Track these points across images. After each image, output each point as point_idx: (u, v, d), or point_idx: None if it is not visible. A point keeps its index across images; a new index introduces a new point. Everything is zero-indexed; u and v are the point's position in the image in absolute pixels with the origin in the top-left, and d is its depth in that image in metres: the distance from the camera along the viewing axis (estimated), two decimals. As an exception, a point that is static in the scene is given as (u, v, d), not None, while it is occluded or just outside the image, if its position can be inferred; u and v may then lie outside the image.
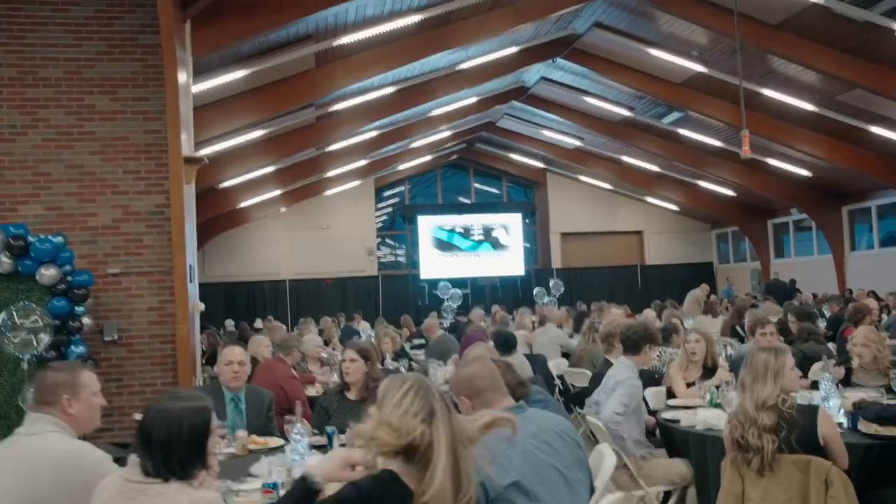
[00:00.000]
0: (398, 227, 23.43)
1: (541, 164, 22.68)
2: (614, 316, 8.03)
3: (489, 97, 16.53)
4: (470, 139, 21.45)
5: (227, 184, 15.07)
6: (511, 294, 21.84)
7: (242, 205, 18.00)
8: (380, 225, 23.36)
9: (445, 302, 19.75)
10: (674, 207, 23.02)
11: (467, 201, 23.93)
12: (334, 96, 12.30)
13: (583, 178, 22.63)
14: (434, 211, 22.80)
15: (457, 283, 21.55)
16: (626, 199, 23.35)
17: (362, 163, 18.68)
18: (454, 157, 23.07)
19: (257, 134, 12.29)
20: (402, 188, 23.74)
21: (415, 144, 18.79)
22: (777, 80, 13.22)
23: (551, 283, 20.43)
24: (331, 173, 18.72)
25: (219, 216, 18.22)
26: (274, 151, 13.63)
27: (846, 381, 4.86)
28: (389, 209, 23.79)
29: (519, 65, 14.29)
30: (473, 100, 16.05)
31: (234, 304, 21.34)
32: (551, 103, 17.28)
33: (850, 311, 7.80)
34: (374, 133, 15.67)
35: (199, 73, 8.84)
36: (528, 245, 23.56)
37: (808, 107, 13.66)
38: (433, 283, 20.93)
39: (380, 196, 23.49)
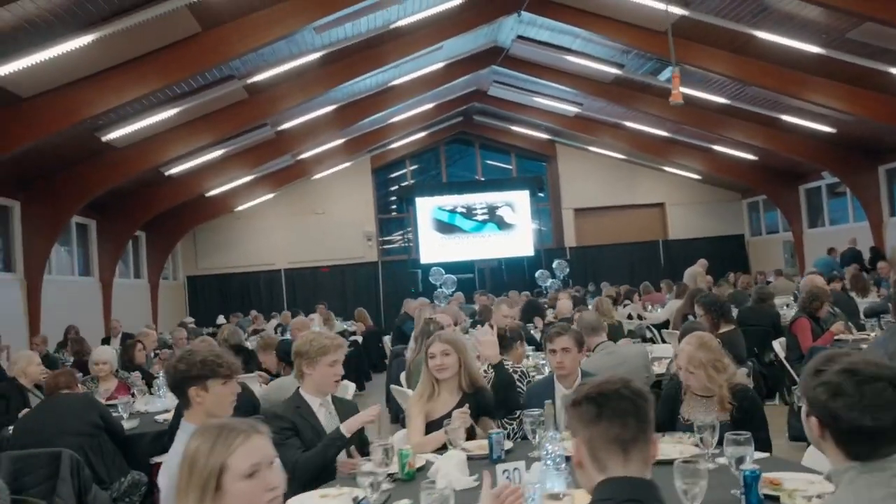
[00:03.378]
0: (401, 209, 22.02)
1: (546, 136, 20.92)
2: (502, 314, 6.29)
3: (461, 60, 15.00)
4: (464, 111, 19.90)
5: (176, 170, 13.98)
6: (518, 277, 20.23)
7: (213, 192, 16.98)
8: (381, 208, 22.11)
9: (438, 288, 18.36)
10: (695, 176, 20.95)
11: (478, 179, 22.35)
12: (254, 63, 10.96)
13: (593, 148, 20.79)
14: (434, 191, 21.26)
15: (460, 267, 20.12)
16: (643, 168, 21.38)
17: (339, 142, 17.38)
18: (455, 132, 21.51)
19: (172, 113, 11.02)
20: (403, 168, 22.34)
21: (396, 119, 17.37)
22: (773, 18, 11.27)
23: (555, 264, 18.76)
24: (306, 154, 17.51)
25: (199, 203, 17.35)
26: (208, 131, 12.41)
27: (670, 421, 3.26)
28: (394, 190, 22.45)
29: (476, 19, 12.72)
30: (440, 65, 14.52)
31: (229, 296, 20.42)
32: (535, 65, 15.60)
33: (804, 297, 6.08)
34: (330, 108, 14.29)
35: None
36: (539, 224, 21.83)
37: (815, 49, 11.65)
38: (427, 269, 19.50)
39: (380, 177, 22.18)
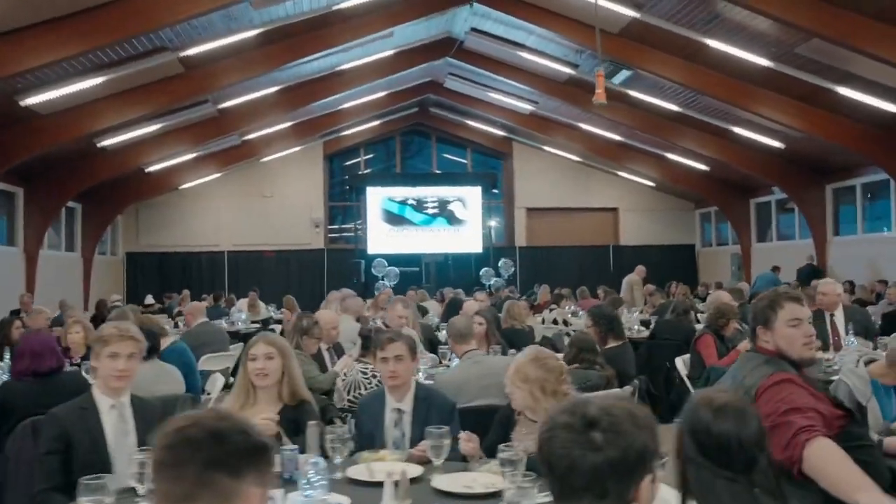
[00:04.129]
0: (353, 198, 21.59)
1: (502, 133, 20.66)
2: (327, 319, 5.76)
3: (413, 49, 14.68)
4: (420, 102, 19.57)
5: (109, 142, 13.47)
6: (464, 273, 19.94)
7: (154, 167, 16.49)
8: (333, 196, 21.71)
9: (380, 280, 18.04)
10: (649, 183, 20.85)
11: (433, 172, 22.01)
12: (188, 36, 10.52)
13: (548, 148, 20.58)
14: (386, 182, 20.92)
15: (406, 260, 19.81)
16: (599, 172, 21.22)
17: (287, 124, 16.96)
18: (411, 123, 21.17)
19: (99, 81, 10.54)
20: (357, 156, 21.92)
21: (348, 105, 16.98)
22: (725, 27, 11.12)
23: (500, 262, 18.52)
24: (253, 135, 17.07)
25: (139, 178, 16.85)
26: (141, 103, 11.93)
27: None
28: (346, 178, 22.02)
29: (427, 7, 12.41)
30: (390, 52, 14.18)
31: (168, 276, 19.87)
32: (490, 60, 15.32)
33: (711, 313, 5.87)
34: (274, 88, 13.88)
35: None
36: (491, 221, 21.58)
37: (764, 62, 11.52)
38: (372, 260, 19.16)
39: (333, 164, 21.78)
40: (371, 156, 22.14)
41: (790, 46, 10.98)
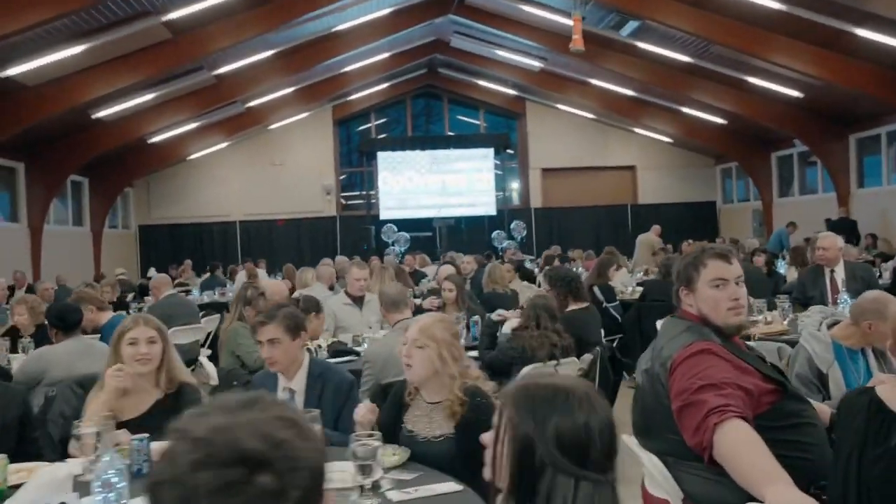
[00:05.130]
0: (365, 163, 21.23)
1: (514, 92, 20.09)
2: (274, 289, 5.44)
3: (413, 6, 14.21)
4: (427, 63, 19.10)
5: (104, 113, 13.25)
6: (478, 237, 19.57)
7: (157, 138, 16.28)
8: (346, 161, 21.39)
9: (391, 246, 17.76)
10: (667, 139, 20.19)
11: (446, 134, 21.55)
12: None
13: (562, 107, 19.99)
14: (396, 146, 20.53)
15: (418, 224, 19.50)
16: (615, 130, 20.59)
17: (289, 90, 16.60)
18: (421, 85, 20.69)
19: (80, 49, 10.26)
20: (368, 121, 21.51)
21: (351, 68, 16.56)
22: (733, -30, 10.52)
23: (513, 225, 18.11)
24: (256, 102, 16.76)
25: (144, 150, 16.70)
26: (130, 72, 11.65)
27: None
28: (357, 144, 21.66)
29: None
30: (387, 11, 13.72)
31: (182, 247, 19.73)
32: (494, 16, 14.77)
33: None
34: (270, 52, 13.51)
35: None
36: (506, 183, 21.13)
37: (776, 5, 10.87)
38: (380, 225, 18.87)
39: (344, 130, 21.41)
40: (383, 120, 21.73)
41: (803, -14, 10.36)
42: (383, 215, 19.74)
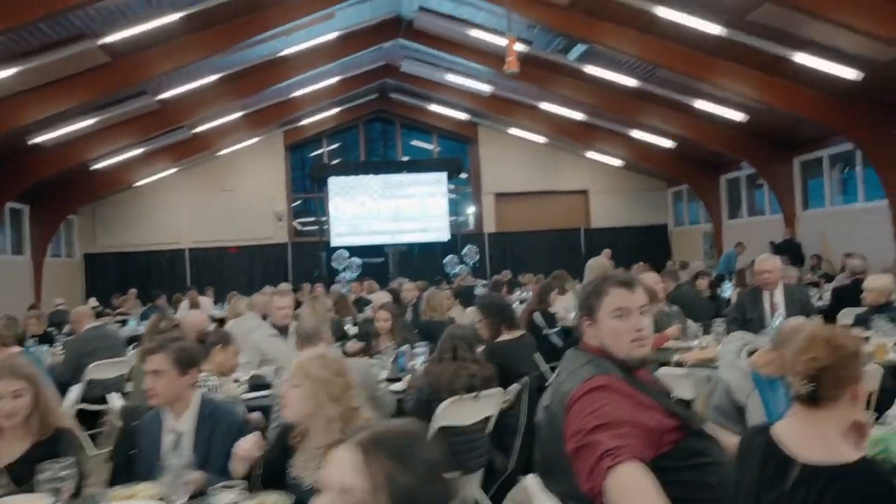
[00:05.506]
0: (317, 189, 20.99)
1: (465, 116, 20.10)
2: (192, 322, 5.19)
3: (360, 31, 14.12)
4: (379, 88, 19.03)
5: (41, 139, 12.88)
6: (431, 263, 19.42)
7: (100, 165, 15.90)
8: (299, 187, 21.13)
9: (341, 272, 17.53)
10: (618, 163, 20.33)
11: (397, 159, 21.44)
12: (106, 21, 9.94)
13: (514, 131, 20.04)
14: (348, 171, 20.36)
15: (372, 250, 19.30)
16: (566, 154, 20.68)
17: (237, 115, 16.37)
18: (373, 110, 20.59)
19: (12, 72, 9.96)
20: (321, 147, 21.30)
21: (299, 93, 16.40)
22: (673, -6, 10.62)
23: (464, 250, 18.01)
24: (203, 127, 16.48)
25: (87, 177, 16.31)
26: (67, 96, 11.35)
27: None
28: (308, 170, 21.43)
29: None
30: (334, 35, 13.61)
31: (130, 276, 19.23)
32: (443, 40, 14.77)
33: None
34: (214, 77, 13.29)
35: None
36: (459, 208, 21.06)
37: (717, 30, 11.00)
38: (332, 252, 18.64)
39: (296, 156, 21.18)
40: (337, 145, 21.55)
41: (743, 12, 10.48)
42: (334, 241, 19.53)
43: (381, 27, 14.41)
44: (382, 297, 6.67)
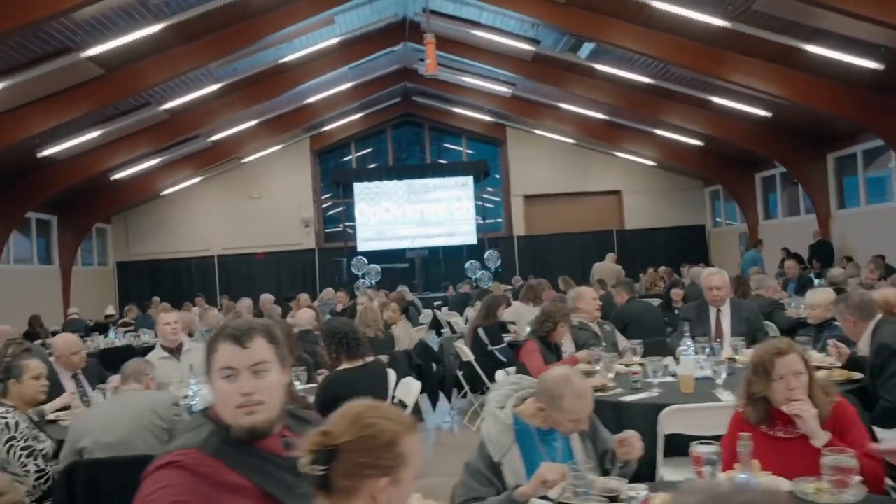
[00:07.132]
0: (344, 195, 20.89)
1: (491, 118, 19.70)
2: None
3: (366, 35, 13.92)
4: (401, 91, 18.82)
5: (50, 151, 13.09)
6: (456, 267, 19.10)
7: (120, 174, 16.11)
8: (328, 193, 21.10)
9: (361, 279, 17.38)
10: (650, 162, 19.61)
11: (424, 163, 21.16)
12: (90, 34, 9.96)
13: (541, 132, 19.54)
14: (373, 176, 20.20)
15: (392, 255, 19.13)
16: (597, 154, 20.07)
17: (251, 123, 16.38)
18: (398, 114, 20.39)
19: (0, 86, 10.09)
20: (349, 152, 21.18)
21: (313, 99, 16.31)
22: (672, -13, 10.07)
23: (486, 254, 17.63)
24: (220, 135, 16.55)
25: (110, 187, 16.60)
26: (65, 109, 11.44)
27: None
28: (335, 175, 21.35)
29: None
30: (335, 40, 13.44)
31: (160, 283, 19.55)
32: (454, 42, 14.42)
33: (537, 316, 4.96)
34: (216, 85, 13.27)
35: None
36: (486, 211, 20.67)
37: (720, 22, 10.39)
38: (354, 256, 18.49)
39: (324, 161, 21.14)
40: (367, 150, 21.43)
41: (747, 2, 9.85)
42: (360, 247, 19.41)
43: (386, 31, 14.18)
44: (301, 315, 6.31)
